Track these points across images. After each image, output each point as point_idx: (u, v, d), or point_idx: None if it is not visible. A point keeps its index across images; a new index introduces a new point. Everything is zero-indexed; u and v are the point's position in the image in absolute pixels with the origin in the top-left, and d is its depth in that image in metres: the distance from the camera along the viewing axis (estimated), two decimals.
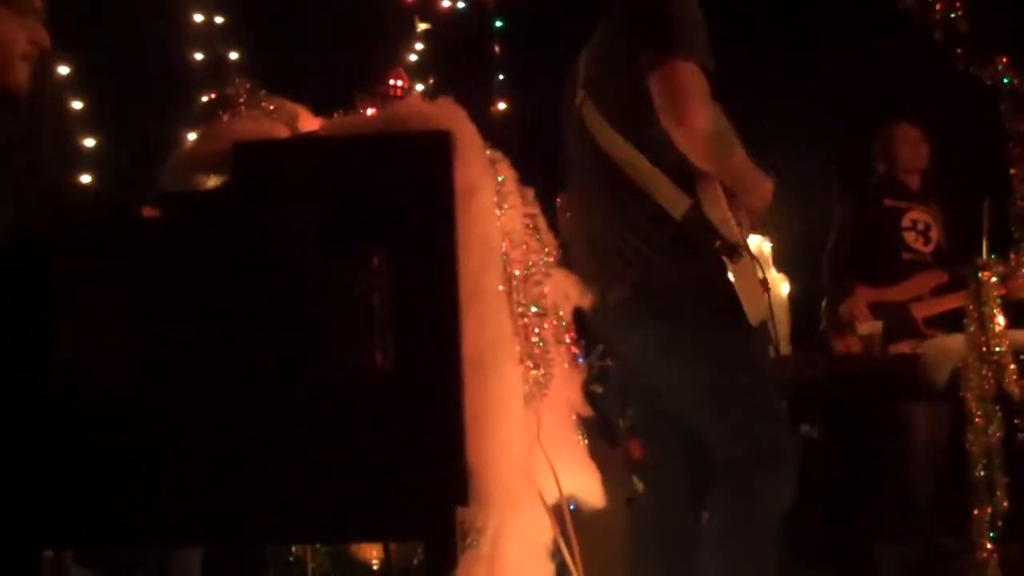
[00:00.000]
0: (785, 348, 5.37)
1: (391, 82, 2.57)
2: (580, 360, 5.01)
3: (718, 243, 3.20)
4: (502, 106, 6.88)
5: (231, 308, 2.23)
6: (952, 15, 3.38)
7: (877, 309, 5.60)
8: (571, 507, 2.93)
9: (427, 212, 2.22)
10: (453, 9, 6.95)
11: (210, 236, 2.27)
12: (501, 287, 2.36)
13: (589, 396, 4.63)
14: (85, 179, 5.02)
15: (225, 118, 2.52)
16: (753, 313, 3.24)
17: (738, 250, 3.21)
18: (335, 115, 2.44)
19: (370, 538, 2.42)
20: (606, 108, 3.36)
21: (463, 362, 2.19)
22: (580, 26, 3.55)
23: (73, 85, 5.09)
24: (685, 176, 3.27)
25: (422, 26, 5.92)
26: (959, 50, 3.41)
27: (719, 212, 3.24)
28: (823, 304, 5.85)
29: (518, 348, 2.42)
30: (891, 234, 5.74)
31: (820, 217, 3.44)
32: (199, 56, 5.42)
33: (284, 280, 2.22)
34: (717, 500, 3.37)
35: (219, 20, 5.57)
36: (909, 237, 5.74)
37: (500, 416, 2.23)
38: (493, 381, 2.24)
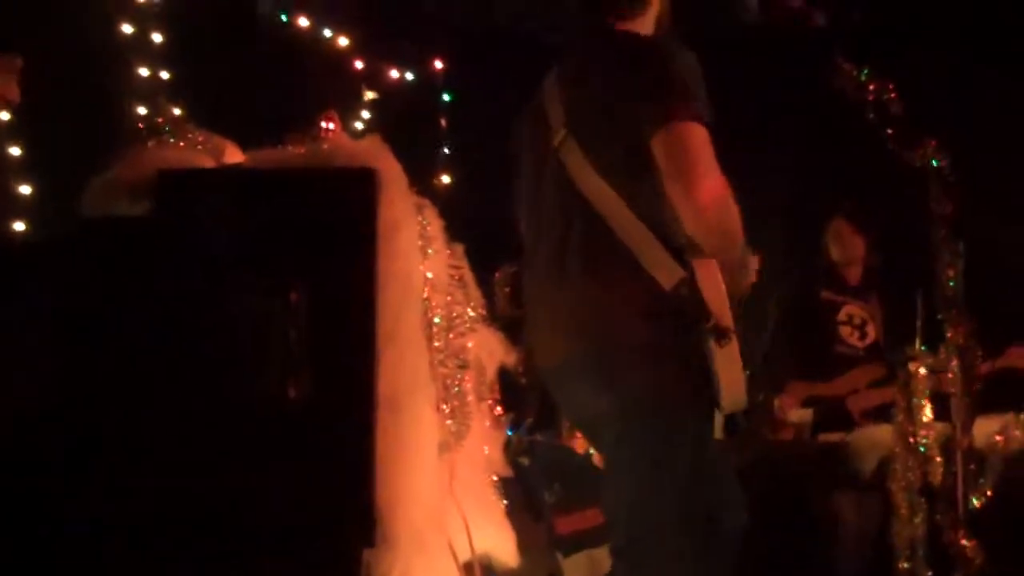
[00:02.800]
0: (718, 433, 5.36)
1: (322, 124, 2.55)
2: (509, 432, 5.00)
3: (710, 324, 2.98)
4: (446, 179, 6.92)
5: (148, 333, 2.20)
6: (884, 96, 3.40)
7: (811, 403, 5.61)
8: None
9: (348, 248, 2.21)
10: (401, 81, 7.01)
11: (130, 263, 2.24)
12: (420, 331, 2.34)
13: (516, 469, 4.61)
14: (19, 227, 4.97)
15: (150, 145, 2.50)
16: (728, 400, 3.02)
17: (728, 335, 2.99)
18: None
19: (275, 574, 2.36)
20: (593, 153, 3.11)
21: (377, 401, 2.16)
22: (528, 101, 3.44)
23: (10, 131, 5.06)
24: (677, 244, 3.04)
25: (369, 95, 5.95)
26: (890, 131, 3.42)
27: (715, 291, 3.01)
28: (760, 398, 5.84)
29: (435, 395, 2.39)
30: (826, 327, 5.76)
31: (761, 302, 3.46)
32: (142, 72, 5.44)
33: (201, 308, 2.19)
34: None
35: (158, 39, 5.59)
36: (844, 331, 5.75)
37: (412, 459, 2.21)
38: (406, 423, 2.21)
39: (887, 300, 5.79)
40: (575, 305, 3.12)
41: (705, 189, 2.94)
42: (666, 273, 3.02)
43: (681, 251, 3.04)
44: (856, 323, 5.76)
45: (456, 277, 2.65)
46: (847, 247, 5.85)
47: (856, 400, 5.54)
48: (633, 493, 3.12)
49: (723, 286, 3.02)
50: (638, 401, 3.07)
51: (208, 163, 2.45)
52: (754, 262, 3.25)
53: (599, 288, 3.09)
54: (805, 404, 5.61)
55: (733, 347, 3.01)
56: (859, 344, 5.73)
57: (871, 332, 5.77)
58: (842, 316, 5.77)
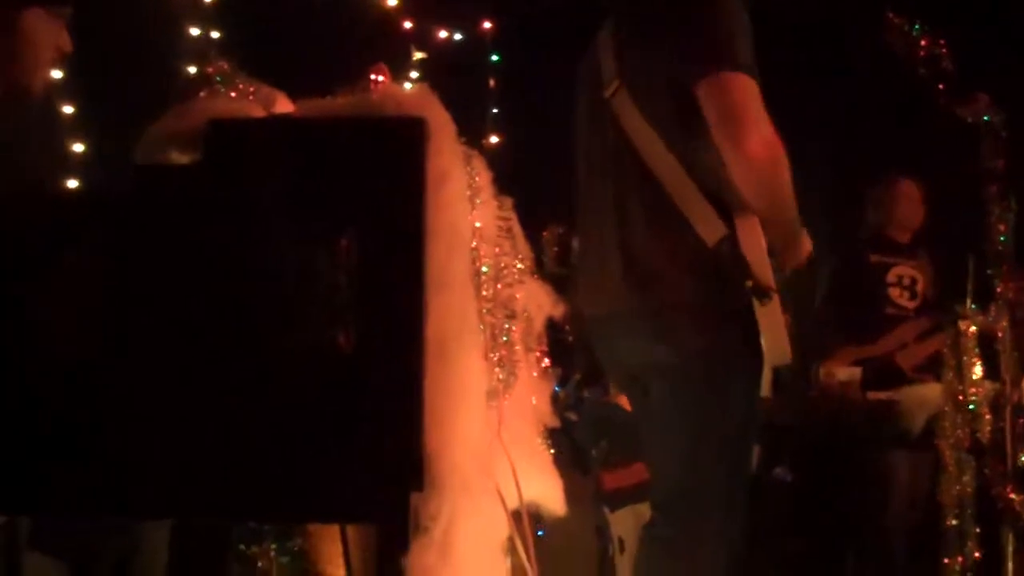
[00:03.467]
0: (765, 391, 5.36)
1: (372, 76, 2.57)
2: (556, 389, 5.02)
3: (750, 282, 2.99)
4: (495, 140, 6.92)
5: (197, 283, 2.22)
6: (936, 51, 3.38)
7: (864, 364, 5.59)
8: (539, 533, 2.92)
9: (396, 196, 2.21)
10: (450, 40, 7.01)
11: (180, 211, 2.26)
12: (468, 279, 2.35)
13: (564, 424, 4.64)
14: (72, 184, 5.01)
15: (202, 96, 2.53)
16: (772, 356, 3.06)
17: (769, 293, 3.00)
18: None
19: (324, 519, 2.40)
20: (645, 104, 3.11)
21: (425, 348, 2.18)
22: (578, 64, 3.43)
23: (63, 90, 5.11)
24: (724, 201, 3.05)
25: (418, 55, 5.96)
26: (942, 87, 3.40)
27: (756, 250, 3.01)
28: (812, 365, 5.83)
29: (483, 342, 2.41)
30: (875, 290, 5.73)
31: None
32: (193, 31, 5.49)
33: (251, 257, 2.21)
34: (649, 545, 3.26)
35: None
36: (894, 293, 5.73)
37: (460, 405, 2.22)
38: (455, 369, 2.22)
39: (937, 256, 5.76)
40: (626, 256, 3.13)
41: (754, 140, 2.93)
42: (709, 230, 3.02)
43: (727, 207, 3.04)
44: (906, 283, 5.74)
45: (504, 228, 2.66)
46: (911, 210, 5.80)
47: (906, 355, 5.52)
48: (681, 447, 3.14)
49: (764, 244, 3.02)
50: (690, 358, 3.08)
51: (258, 113, 2.47)
52: (807, 241, 3.23)
53: (649, 241, 3.10)
54: (857, 365, 5.59)
55: (775, 305, 3.01)
56: (909, 304, 5.70)
57: (920, 290, 5.74)
58: (891, 277, 5.74)
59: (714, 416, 3.10)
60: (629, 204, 3.15)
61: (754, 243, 3.01)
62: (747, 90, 2.96)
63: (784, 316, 3.04)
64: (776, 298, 3.01)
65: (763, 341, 3.02)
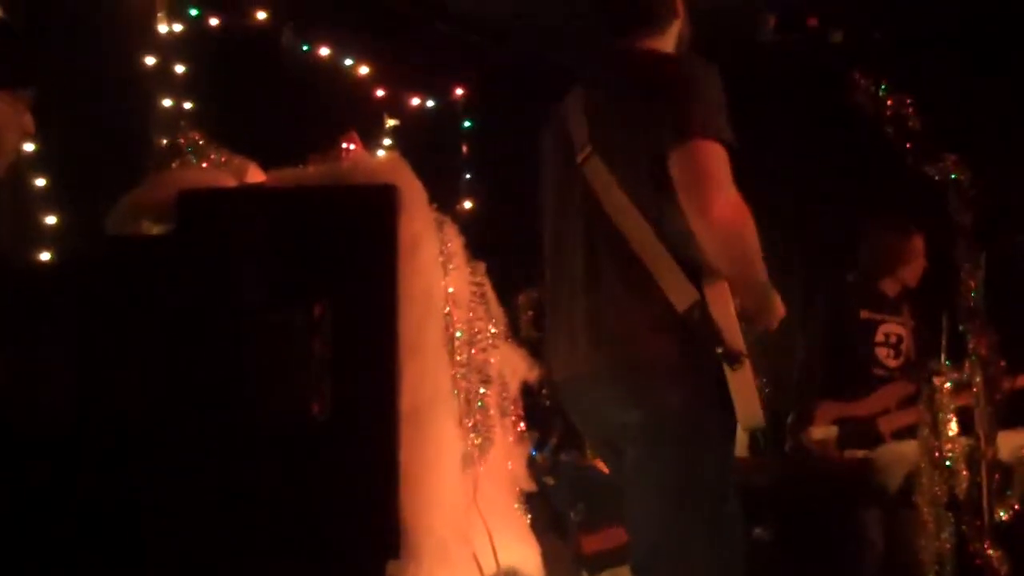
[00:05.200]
0: (741, 451, 5.36)
1: (343, 144, 2.59)
2: (533, 452, 5.01)
3: (720, 349, 3.00)
4: (468, 205, 6.94)
5: (170, 352, 2.22)
6: (903, 111, 3.41)
7: (840, 422, 5.58)
8: None
9: (370, 263, 2.22)
10: (422, 107, 7.05)
11: (153, 281, 2.27)
12: (442, 344, 2.35)
13: (541, 488, 4.62)
14: (44, 255, 5.01)
15: (174, 166, 2.54)
16: (745, 419, 3.04)
17: (740, 358, 3.01)
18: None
19: None
20: (617, 170, 3.14)
21: (400, 415, 2.18)
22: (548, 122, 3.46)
23: (36, 163, 5.11)
24: (694, 266, 3.07)
25: (391, 122, 5.98)
26: (909, 146, 3.43)
27: (726, 315, 3.03)
28: (789, 419, 5.82)
29: (457, 408, 2.41)
30: (864, 349, 5.71)
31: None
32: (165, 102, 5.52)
33: (224, 326, 2.21)
34: None
35: (180, 70, 5.66)
36: (881, 353, 5.71)
37: (435, 471, 2.22)
38: (429, 436, 2.22)
39: (917, 314, 5.76)
40: (597, 319, 3.14)
41: (718, 205, 2.96)
42: (680, 296, 3.04)
43: (697, 272, 3.06)
44: (892, 342, 5.72)
45: (478, 293, 2.67)
46: (919, 265, 5.80)
47: (887, 420, 5.50)
48: (658, 509, 3.13)
49: (733, 309, 3.04)
50: (664, 418, 3.08)
51: (230, 183, 2.48)
52: (779, 304, 3.24)
53: (621, 304, 3.11)
54: (837, 424, 5.58)
55: (746, 369, 3.02)
56: (893, 363, 5.68)
57: (904, 349, 5.73)
58: (879, 336, 5.72)
59: (688, 476, 3.09)
60: (600, 269, 3.16)
61: (723, 308, 3.02)
62: (714, 157, 2.99)
63: (757, 379, 3.05)
64: (747, 363, 3.02)
65: (736, 405, 3.02)
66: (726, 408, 3.05)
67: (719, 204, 2.96)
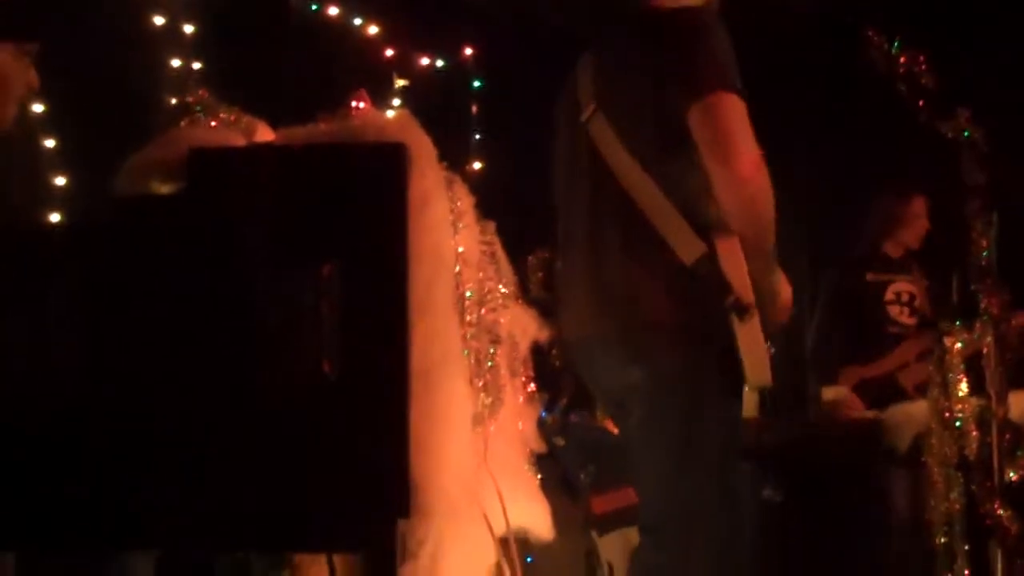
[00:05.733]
0: (750, 411, 5.36)
1: (352, 103, 2.57)
2: (543, 414, 5.01)
3: (730, 298, 2.98)
4: (478, 165, 6.92)
5: (181, 312, 2.22)
6: (915, 68, 3.39)
7: (864, 385, 5.58)
8: (528, 559, 2.90)
9: (379, 222, 2.21)
10: (432, 67, 7.02)
11: (162, 240, 2.26)
12: (452, 304, 2.35)
13: (551, 449, 4.62)
14: (54, 217, 5.01)
15: (183, 125, 2.53)
16: (752, 377, 3.02)
17: (750, 310, 2.99)
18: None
19: (312, 548, 2.38)
20: (621, 128, 3.13)
21: (410, 374, 2.17)
22: (559, 89, 3.44)
23: (46, 123, 5.11)
24: (701, 223, 3.06)
25: (400, 82, 5.96)
26: (922, 103, 3.41)
27: (736, 266, 3.02)
28: (810, 389, 5.83)
29: (468, 368, 2.40)
30: (875, 309, 5.71)
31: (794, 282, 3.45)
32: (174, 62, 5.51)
33: (234, 286, 2.21)
34: (638, 571, 3.25)
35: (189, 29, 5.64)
36: (893, 311, 5.71)
37: (445, 430, 2.22)
38: (440, 395, 2.22)
39: (929, 272, 5.75)
40: (605, 279, 3.14)
41: (744, 161, 2.95)
42: (687, 248, 3.03)
43: (706, 228, 3.05)
44: (904, 300, 5.72)
45: (488, 253, 2.66)
46: (920, 227, 5.79)
47: (908, 374, 5.50)
48: (665, 470, 3.13)
49: (744, 262, 3.02)
50: (668, 379, 3.08)
51: (240, 142, 2.46)
52: (786, 287, 3.24)
53: (627, 263, 3.10)
54: (858, 387, 5.58)
55: (755, 324, 3.01)
56: (909, 321, 5.69)
57: (919, 306, 5.72)
58: (889, 295, 5.72)
59: (693, 438, 3.09)
60: (605, 227, 3.16)
61: (735, 260, 3.01)
62: (737, 111, 2.98)
63: (767, 342, 3.04)
64: (756, 319, 3.00)
65: (744, 361, 3.01)
66: (731, 370, 3.04)
67: (744, 160, 2.95)
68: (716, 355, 3.04)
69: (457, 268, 2.42)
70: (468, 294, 2.48)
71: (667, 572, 3.10)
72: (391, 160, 2.23)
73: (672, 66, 3.02)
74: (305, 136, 2.37)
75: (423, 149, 2.29)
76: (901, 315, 5.70)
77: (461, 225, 2.45)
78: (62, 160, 5.25)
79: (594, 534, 5.19)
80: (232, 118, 2.56)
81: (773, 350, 3.10)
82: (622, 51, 3.22)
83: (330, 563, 2.44)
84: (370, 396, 2.17)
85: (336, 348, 2.16)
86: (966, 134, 3.44)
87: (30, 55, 3.04)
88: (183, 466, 2.18)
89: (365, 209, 2.22)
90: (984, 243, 3.58)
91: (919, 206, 5.77)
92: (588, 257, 3.18)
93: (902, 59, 3.42)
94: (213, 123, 2.52)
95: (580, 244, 3.23)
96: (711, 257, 3.02)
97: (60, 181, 5.25)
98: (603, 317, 3.14)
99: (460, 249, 2.44)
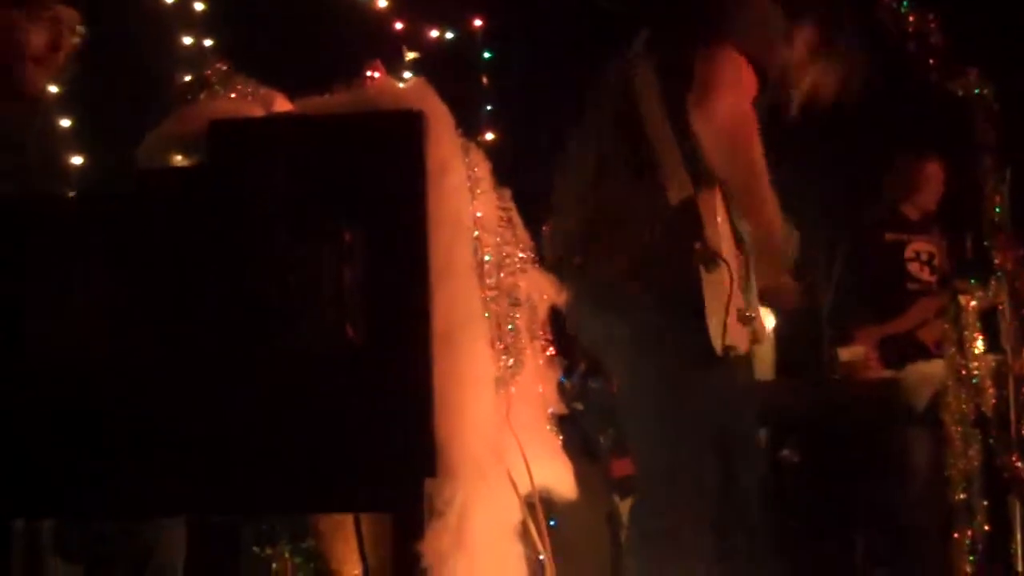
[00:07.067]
0: (768, 375, 5.40)
1: (367, 73, 2.60)
2: (562, 379, 5.05)
3: (698, 245, 3.06)
4: (489, 137, 6.94)
5: (204, 283, 2.25)
6: (925, 27, 3.40)
7: (885, 343, 5.61)
8: (551, 523, 2.94)
9: (398, 188, 2.24)
10: (442, 39, 7.03)
11: (184, 212, 2.29)
12: (472, 268, 2.38)
13: (571, 413, 4.66)
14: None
15: (201, 98, 2.56)
16: (718, 336, 3.07)
17: (716, 261, 3.05)
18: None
19: (339, 509, 2.42)
20: (660, 72, 3.23)
21: (433, 336, 2.20)
22: (568, 58, 3.48)
23: (61, 103, 5.13)
24: (697, 173, 3.15)
25: (410, 55, 5.97)
26: (932, 62, 3.43)
27: (712, 219, 3.12)
28: (827, 350, 5.85)
29: (489, 330, 2.43)
30: (895, 267, 5.74)
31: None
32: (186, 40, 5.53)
33: (256, 255, 2.23)
34: (632, 531, 3.31)
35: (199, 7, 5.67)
36: (914, 268, 5.75)
37: (469, 391, 2.24)
38: (463, 357, 2.25)
39: (948, 234, 5.78)
40: (602, 203, 3.19)
41: (717, 101, 3.05)
42: (676, 186, 3.08)
43: (700, 179, 3.10)
44: (924, 259, 5.76)
45: (505, 218, 2.68)
46: (936, 191, 5.82)
47: (928, 331, 5.53)
48: (645, 427, 3.17)
49: (722, 216, 3.07)
50: (640, 335, 3.11)
51: (258, 113, 2.49)
52: (790, 281, 3.27)
53: (616, 191, 3.15)
54: (880, 345, 5.61)
55: (722, 275, 3.03)
56: (930, 278, 5.72)
57: (939, 264, 5.75)
58: (909, 253, 5.76)
59: (664, 398, 3.11)
60: (610, 158, 3.20)
61: (712, 214, 3.07)
62: (729, 64, 3.07)
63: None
64: (725, 274, 3.02)
65: (708, 318, 3.03)
66: (699, 328, 3.06)
67: (715, 97, 3.04)
68: (685, 311, 3.07)
69: (476, 233, 2.45)
70: (487, 258, 2.51)
71: (658, 534, 3.13)
72: (409, 126, 2.25)
73: (696, 17, 3.16)
74: (322, 106, 2.39)
75: (440, 115, 2.31)
76: (922, 272, 5.73)
77: (479, 191, 2.47)
78: (79, 140, 5.28)
79: (615, 497, 5.23)
80: (249, 90, 2.59)
81: (753, 316, 3.11)
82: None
83: (358, 530, 2.47)
84: (394, 359, 2.19)
85: (359, 314, 2.19)
86: (976, 92, 3.45)
87: (57, 20, 3.01)
88: (209, 432, 2.21)
89: (384, 176, 2.24)
90: (997, 199, 3.60)
91: (934, 169, 5.79)
92: (591, 192, 3.22)
93: (911, 18, 3.43)
94: (231, 96, 2.55)
95: (578, 168, 3.28)
96: (694, 202, 3.12)
97: (77, 160, 5.27)
98: (598, 245, 3.18)
99: (478, 214, 2.47)
